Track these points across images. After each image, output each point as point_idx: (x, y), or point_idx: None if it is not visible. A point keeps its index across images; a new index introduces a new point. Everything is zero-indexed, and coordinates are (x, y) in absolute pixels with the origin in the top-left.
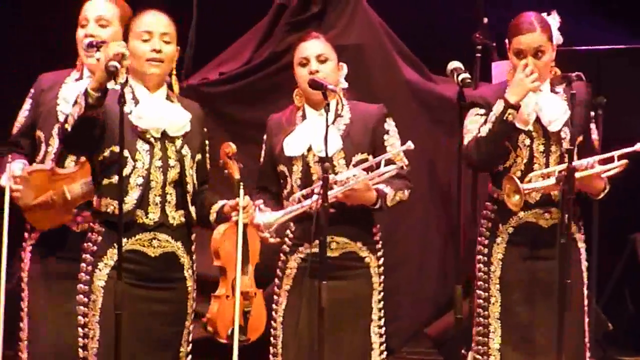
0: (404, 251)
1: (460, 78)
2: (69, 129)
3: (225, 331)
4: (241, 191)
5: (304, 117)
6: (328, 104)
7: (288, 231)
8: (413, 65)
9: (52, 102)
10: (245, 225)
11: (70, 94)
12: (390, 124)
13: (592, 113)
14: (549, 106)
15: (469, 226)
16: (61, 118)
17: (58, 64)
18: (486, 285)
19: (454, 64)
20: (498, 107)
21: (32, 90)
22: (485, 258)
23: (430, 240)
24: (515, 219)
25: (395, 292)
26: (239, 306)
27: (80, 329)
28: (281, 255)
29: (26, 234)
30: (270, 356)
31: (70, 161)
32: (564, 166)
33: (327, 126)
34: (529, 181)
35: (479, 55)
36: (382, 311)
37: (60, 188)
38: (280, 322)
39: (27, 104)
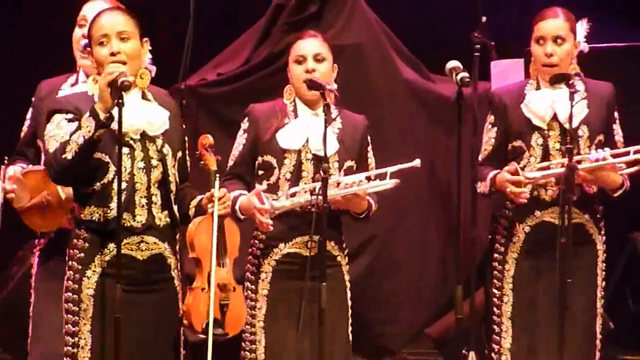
0: (403, 252)
1: (459, 77)
2: (70, 157)
3: (200, 324)
4: (217, 182)
5: (295, 113)
6: (328, 105)
7: (257, 232)
8: (411, 65)
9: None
10: (221, 217)
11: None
12: (369, 138)
13: (616, 114)
14: (565, 103)
15: (469, 226)
16: None
17: (61, 67)
18: (500, 284)
19: (453, 63)
20: (487, 184)
21: (33, 99)
22: (501, 257)
23: (430, 241)
24: (532, 217)
25: (396, 293)
26: (214, 298)
27: (69, 338)
28: (251, 258)
29: (36, 240)
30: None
31: None
32: (564, 160)
33: (326, 126)
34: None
35: (477, 54)
36: (350, 310)
37: (54, 188)
38: (260, 327)
39: (29, 113)
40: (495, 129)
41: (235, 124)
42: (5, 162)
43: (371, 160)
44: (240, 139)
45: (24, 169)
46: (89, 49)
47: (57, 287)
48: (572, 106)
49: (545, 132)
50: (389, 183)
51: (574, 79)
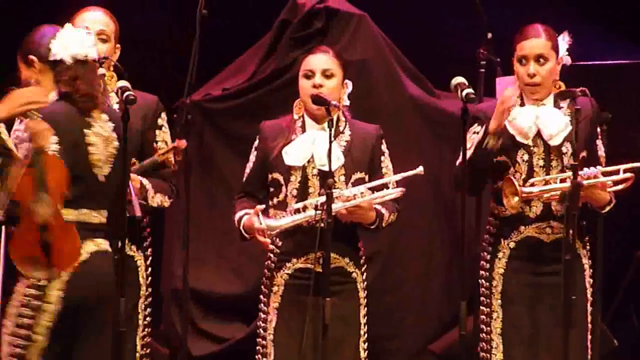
0: (407, 267)
1: (464, 93)
2: None
3: (22, 263)
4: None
5: (303, 128)
6: (332, 120)
7: (273, 246)
8: (417, 81)
9: None
10: (42, 153)
11: None
12: (385, 146)
13: (599, 129)
14: (550, 120)
15: (473, 242)
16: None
17: None
18: (488, 300)
19: (458, 80)
20: (480, 133)
21: None
22: (487, 273)
23: (434, 256)
24: (516, 233)
25: (399, 308)
26: (33, 239)
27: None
28: (266, 271)
29: None
30: None
31: None
32: (567, 174)
33: (331, 141)
34: (531, 185)
35: (482, 70)
36: (366, 327)
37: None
38: (270, 340)
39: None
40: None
41: (240, 139)
42: None
43: (387, 170)
44: (252, 156)
45: None
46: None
47: None
48: (576, 123)
49: (531, 148)
50: (393, 192)
51: (579, 95)
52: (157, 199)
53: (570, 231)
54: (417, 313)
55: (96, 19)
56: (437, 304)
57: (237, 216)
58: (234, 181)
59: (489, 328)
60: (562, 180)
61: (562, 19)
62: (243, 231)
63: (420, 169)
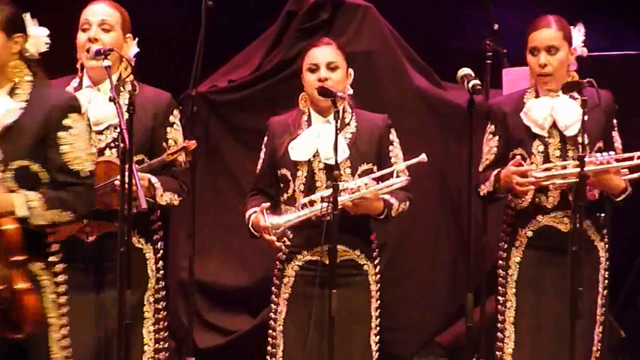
0: (414, 259)
1: (470, 85)
2: None
3: None
4: None
5: (309, 122)
6: (338, 111)
7: (285, 238)
8: (423, 72)
9: None
10: None
11: None
12: (394, 135)
13: (615, 121)
14: (565, 110)
15: (479, 234)
16: None
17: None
18: (504, 289)
19: (464, 71)
20: (491, 182)
21: None
22: (504, 262)
23: (441, 248)
24: (534, 222)
25: (406, 300)
26: None
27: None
28: (277, 263)
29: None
30: None
31: None
32: (573, 162)
33: (337, 133)
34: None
35: (489, 61)
36: (379, 319)
37: None
38: (280, 331)
39: None
40: (497, 137)
41: (246, 131)
42: None
43: (396, 159)
44: (262, 153)
45: None
46: (100, 55)
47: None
48: (583, 114)
49: (546, 139)
50: (398, 181)
51: (586, 87)
52: (166, 197)
53: (588, 221)
54: (424, 305)
55: (96, 10)
56: (443, 295)
57: (247, 214)
58: (240, 173)
59: (503, 317)
60: (564, 168)
61: (570, 9)
62: (252, 229)
63: (423, 156)
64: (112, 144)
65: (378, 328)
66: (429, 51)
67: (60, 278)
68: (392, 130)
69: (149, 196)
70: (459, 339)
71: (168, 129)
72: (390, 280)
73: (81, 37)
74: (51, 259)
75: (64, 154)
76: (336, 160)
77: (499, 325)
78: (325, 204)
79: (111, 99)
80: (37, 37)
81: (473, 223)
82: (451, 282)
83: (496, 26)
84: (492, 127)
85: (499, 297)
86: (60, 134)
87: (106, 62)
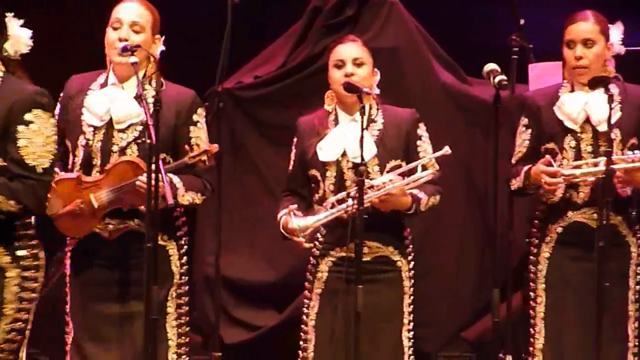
0: (440, 255)
1: (496, 80)
2: None
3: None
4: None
5: (336, 121)
6: (363, 107)
7: (318, 234)
8: (449, 68)
9: (77, 110)
10: None
11: (92, 104)
12: (422, 129)
13: None
14: (599, 106)
15: (506, 229)
16: (85, 128)
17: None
18: (534, 285)
19: (490, 66)
20: (521, 178)
21: (62, 94)
22: (535, 258)
23: (467, 244)
24: (564, 218)
25: (432, 295)
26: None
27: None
28: (311, 258)
29: (67, 239)
30: (300, 359)
31: (95, 171)
32: (601, 159)
33: (363, 129)
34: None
35: (515, 57)
36: (412, 315)
37: (87, 196)
38: (312, 326)
39: (57, 109)
40: (530, 130)
41: (271, 127)
42: None
43: (424, 154)
44: (292, 154)
45: (57, 175)
46: (127, 52)
47: (92, 288)
48: (610, 109)
49: (578, 134)
50: (424, 175)
51: (612, 82)
52: (188, 197)
53: (620, 217)
54: (450, 300)
55: (129, 10)
56: (469, 291)
57: (278, 216)
58: (266, 169)
59: (533, 313)
60: (595, 165)
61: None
62: (283, 232)
63: (446, 149)
64: (134, 143)
65: (412, 324)
66: (455, 46)
67: (31, 274)
68: (421, 125)
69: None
70: (485, 334)
71: (191, 127)
72: (416, 275)
73: (111, 35)
74: (19, 253)
75: (21, 148)
76: (362, 157)
77: (530, 320)
78: (350, 202)
79: (137, 96)
80: (18, 38)
81: (499, 218)
82: (477, 278)
83: (522, 21)
84: (526, 119)
85: (530, 293)
86: (20, 127)
87: (133, 59)
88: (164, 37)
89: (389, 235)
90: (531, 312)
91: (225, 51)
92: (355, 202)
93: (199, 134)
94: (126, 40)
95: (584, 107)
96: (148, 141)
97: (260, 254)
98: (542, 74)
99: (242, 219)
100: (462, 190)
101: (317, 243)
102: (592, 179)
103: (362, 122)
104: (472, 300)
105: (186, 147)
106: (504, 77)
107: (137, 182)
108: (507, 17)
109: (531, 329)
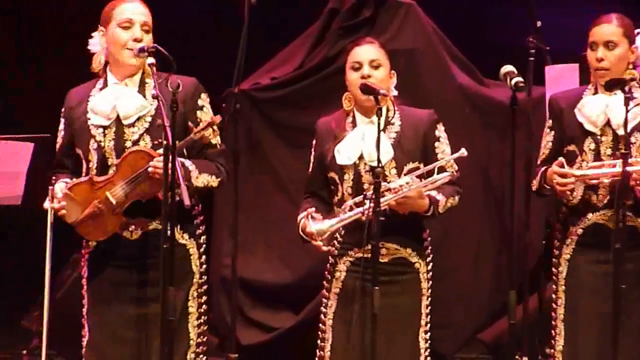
0: (457, 256)
1: (513, 82)
2: None
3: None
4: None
5: (354, 123)
6: (380, 109)
7: (337, 235)
8: (465, 69)
9: (83, 117)
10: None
11: (97, 105)
12: (440, 130)
13: None
14: (619, 109)
15: (522, 231)
16: (94, 131)
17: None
18: (555, 287)
19: (507, 68)
20: (538, 179)
21: (63, 109)
22: (556, 260)
23: (484, 245)
24: (584, 220)
25: (449, 297)
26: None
27: None
28: (330, 258)
29: (84, 241)
30: (317, 358)
31: (112, 171)
32: (617, 161)
33: (379, 131)
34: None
35: (532, 59)
36: (429, 317)
37: (103, 195)
38: (330, 325)
39: (61, 124)
40: (553, 132)
41: (288, 128)
42: (53, 181)
43: (442, 155)
44: (311, 156)
45: (68, 183)
46: (144, 52)
47: (109, 290)
48: (626, 112)
49: (598, 137)
50: (441, 177)
51: (630, 84)
52: (202, 179)
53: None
54: (467, 302)
55: (137, 10)
56: (486, 293)
57: (298, 219)
58: (282, 170)
59: (555, 314)
60: (614, 166)
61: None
62: (303, 235)
63: (463, 151)
64: (146, 134)
65: (429, 325)
66: (472, 48)
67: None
68: (439, 126)
69: (185, 181)
70: (501, 336)
71: (198, 112)
72: (433, 277)
73: (122, 35)
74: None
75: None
76: (378, 159)
77: (552, 322)
78: (367, 205)
79: (154, 96)
80: None
81: (516, 220)
82: (494, 280)
83: (539, 23)
84: (550, 121)
85: (552, 295)
86: None
87: (150, 60)
88: (179, 37)
89: (408, 237)
90: (552, 314)
91: (242, 52)
92: (372, 203)
93: (206, 118)
94: (141, 40)
95: (605, 109)
96: (165, 142)
97: (276, 255)
98: (558, 76)
99: (258, 220)
100: (478, 192)
101: (335, 243)
102: (607, 180)
103: (379, 124)
104: (488, 302)
105: (189, 124)
106: (520, 79)
107: (150, 169)
108: (524, 19)
109: (552, 331)
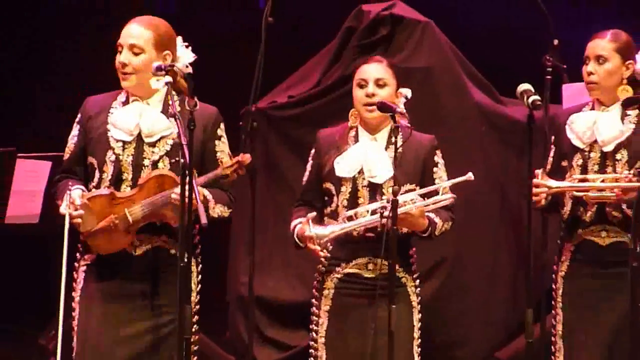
0: (474, 274)
1: (530, 100)
2: None
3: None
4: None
5: (356, 138)
6: (397, 127)
7: (325, 250)
8: (482, 88)
9: (102, 127)
10: None
11: (119, 120)
12: (439, 157)
13: None
14: (605, 126)
15: (539, 249)
16: (113, 144)
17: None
18: (554, 303)
19: (524, 86)
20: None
21: (79, 115)
22: (555, 276)
23: (501, 263)
24: (576, 236)
25: (465, 315)
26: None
27: None
28: (317, 275)
29: (78, 254)
30: None
31: (125, 186)
32: (610, 176)
33: (397, 149)
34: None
35: (549, 77)
36: (420, 331)
37: (122, 212)
38: (322, 343)
39: (75, 130)
40: (554, 148)
41: (305, 146)
42: (70, 188)
43: (440, 181)
44: (308, 165)
45: (88, 193)
46: (161, 71)
47: (108, 305)
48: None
49: (586, 153)
50: (444, 199)
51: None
52: (218, 210)
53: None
54: (484, 320)
55: (127, 32)
56: (503, 311)
57: (292, 224)
58: (299, 188)
59: (554, 331)
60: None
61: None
62: (297, 240)
63: (469, 175)
64: (166, 156)
65: (420, 340)
66: (488, 66)
67: None
68: (438, 152)
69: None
70: (518, 354)
71: (216, 142)
72: (450, 295)
73: (117, 58)
74: None
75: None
76: (395, 177)
77: (551, 339)
78: (372, 217)
79: (171, 115)
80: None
81: (533, 238)
82: (511, 298)
83: (556, 41)
84: (552, 137)
85: (553, 311)
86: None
87: (167, 79)
88: (197, 57)
89: (396, 254)
90: (552, 330)
91: (259, 70)
92: (388, 219)
93: (223, 148)
94: (126, 65)
95: (592, 126)
96: (182, 160)
97: (293, 274)
98: (576, 94)
99: (275, 239)
100: (495, 209)
101: (323, 260)
102: (597, 194)
103: (396, 142)
104: (505, 320)
105: (217, 158)
106: (537, 97)
107: (173, 195)
108: (541, 37)
109: (552, 347)
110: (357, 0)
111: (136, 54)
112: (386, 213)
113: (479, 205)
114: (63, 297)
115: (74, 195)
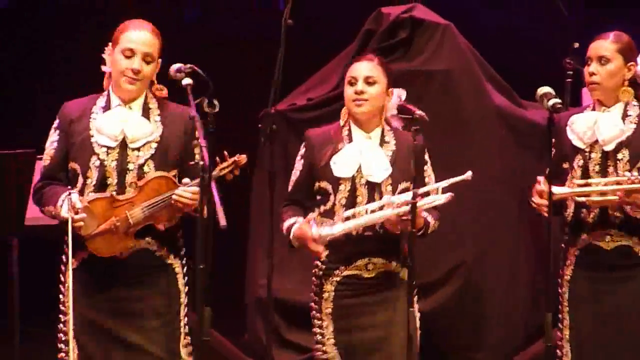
0: (493, 278)
1: (550, 103)
2: None
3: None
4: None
5: (350, 136)
6: (417, 129)
7: (324, 254)
8: (502, 91)
9: (85, 133)
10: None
11: (104, 125)
12: (427, 156)
13: None
14: (605, 125)
15: (559, 253)
16: (97, 149)
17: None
18: (560, 307)
19: (544, 89)
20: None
21: (57, 121)
22: (560, 280)
23: (520, 267)
24: (580, 241)
25: (485, 319)
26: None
27: None
28: (314, 279)
29: (64, 257)
30: None
31: (111, 190)
32: (612, 179)
33: (417, 153)
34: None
35: (569, 80)
36: (419, 322)
37: (123, 214)
38: (332, 344)
39: (54, 136)
40: (554, 151)
41: None
42: (70, 192)
43: (429, 179)
44: (298, 164)
45: (89, 196)
46: (181, 73)
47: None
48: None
49: (587, 154)
50: (442, 197)
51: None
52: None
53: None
54: (503, 324)
55: (141, 40)
56: (522, 315)
57: (286, 224)
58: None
59: (560, 335)
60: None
61: None
62: (293, 240)
63: (468, 174)
64: (151, 159)
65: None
66: (508, 69)
67: None
68: (426, 150)
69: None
70: (537, 359)
71: (194, 142)
72: (469, 299)
73: (122, 62)
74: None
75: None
76: (415, 178)
77: (558, 343)
78: (385, 213)
79: (191, 117)
80: None
81: (552, 242)
82: (530, 302)
83: (577, 45)
84: (553, 140)
85: (559, 315)
86: None
87: (186, 81)
88: (216, 56)
89: (391, 251)
90: (558, 334)
91: (278, 73)
92: (406, 222)
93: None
94: (139, 72)
95: (592, 126)
96: (201, 162)
97: (311, 276)
98: None
99: None
100: (515, 213)
101: (319, 264)
102: (599, 198)
103: (415, 140)
104: (524, 324)
105: (217, 160)
106: (557, 100)
107: (174, 197)
108: (562, 41)
109: (559, 351)
110: (376, 3)
111: (148, 63)
112: (396, 211)
113: (498, 208)
114: (71, 299)
115: (74, 198)
